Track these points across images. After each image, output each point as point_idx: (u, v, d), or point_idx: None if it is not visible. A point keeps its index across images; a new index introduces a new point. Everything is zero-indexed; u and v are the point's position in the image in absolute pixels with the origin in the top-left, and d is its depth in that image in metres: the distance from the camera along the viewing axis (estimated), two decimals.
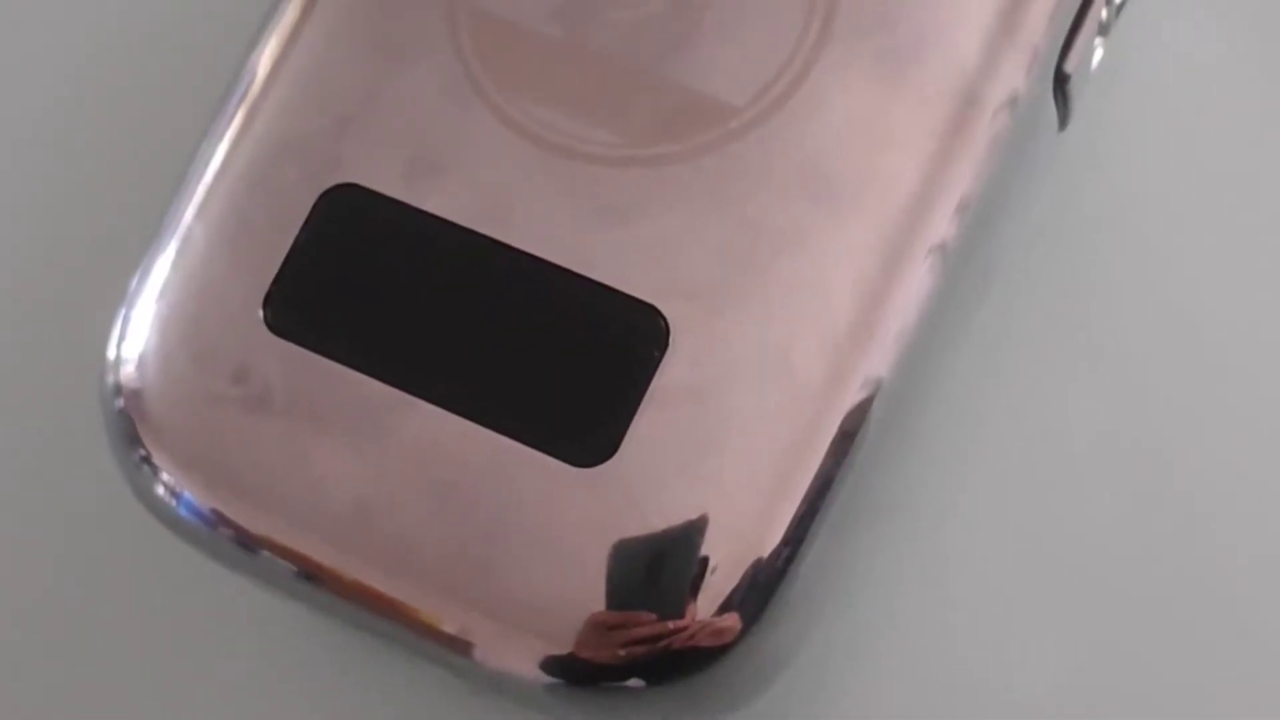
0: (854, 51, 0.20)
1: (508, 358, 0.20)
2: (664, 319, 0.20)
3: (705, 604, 0.19)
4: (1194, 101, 0.24)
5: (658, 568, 0.19)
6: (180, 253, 0.21)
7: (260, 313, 0.20)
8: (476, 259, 0.20)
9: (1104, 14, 0.22)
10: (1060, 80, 0.21)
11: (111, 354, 0.21)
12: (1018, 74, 0.20)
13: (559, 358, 0.20)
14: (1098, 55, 0.22)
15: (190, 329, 0.21)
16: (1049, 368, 0.24)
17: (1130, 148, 0.24)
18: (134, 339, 0.21)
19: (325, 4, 0.21)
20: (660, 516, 0.19)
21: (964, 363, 0.23)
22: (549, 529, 0.19)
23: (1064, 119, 0.22)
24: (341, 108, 0.21)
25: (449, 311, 0.20)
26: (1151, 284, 0.24)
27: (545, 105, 0.21)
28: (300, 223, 0.21)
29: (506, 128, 0.21)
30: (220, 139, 0.21)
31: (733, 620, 0.19)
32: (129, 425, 0.21)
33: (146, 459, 0.20)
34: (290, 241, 0.21)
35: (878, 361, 0.20)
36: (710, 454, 0.19)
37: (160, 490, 0.20)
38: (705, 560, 0.19)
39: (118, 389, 0.21)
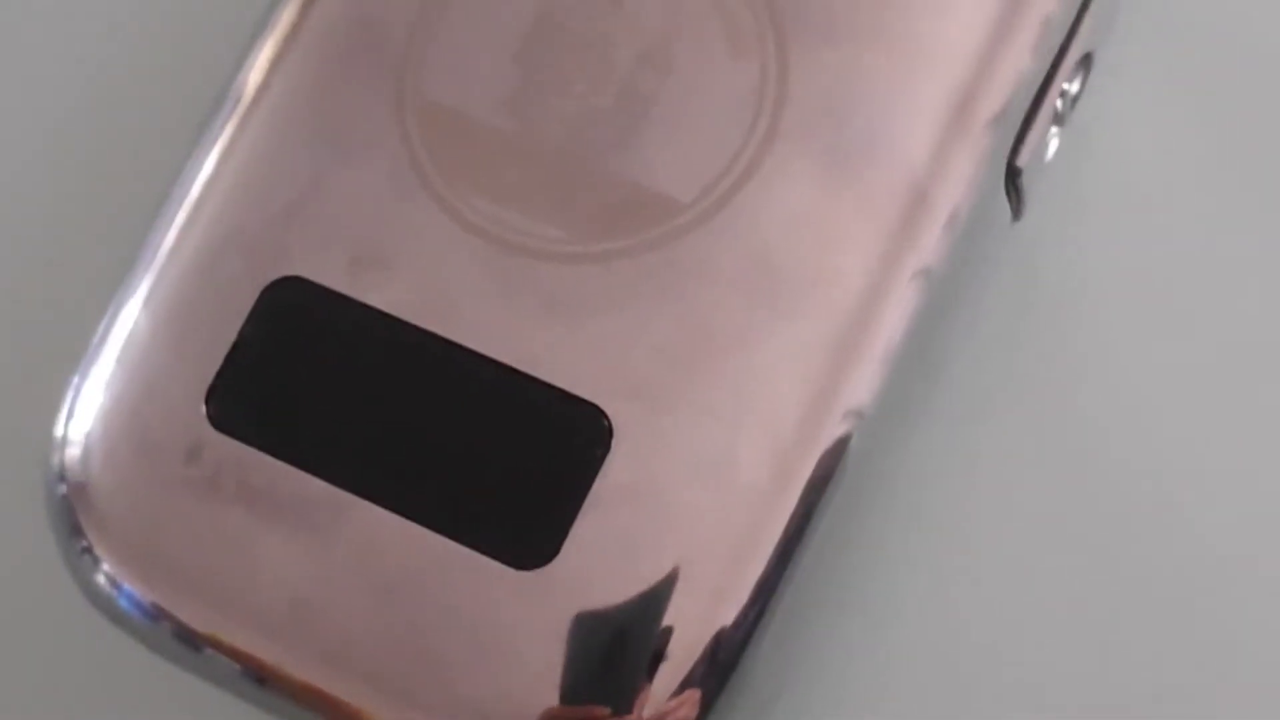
0: (802, 148, 0.20)
1: (449, 457, 0.20)
2: (607, 419, 0.20)
3: (654, 700, 0.19)
4: (1152, 189, 0.24)
5: (603, 667, 0.19)
6: (126, 342, 0.21)
7: (203, 407, 0.20)
8: (420, 356, 0.20)
9: (1059, 105, 0.22)
10: (1012, 174, 0.21)
11: (59, 433, 0.21)
12: (968, 171, 0.20)
13: (501, 457, 0.20)
14: (1053, 145, 0.22)
15: (133, 421, 0.20)
16: (1001, 452, 0.24)
17: (1086, 234, 0.24)
18: (79, 424, 0.21)
19: (275, 91, 0.21)
20: (603, 618, 0.19)
21: (916, 448, 0.23)
22: (492, 630, 0.19)
23: (1017, 211, 0.22)
24: (288, 198, 0.21)
25: (391, 409, 0.20)
26: (1107, 367, 0.24)
27: (492, 199, 0.20)
28: (244, 315, 0.20)
29: (453, 221, 0.20)
30: (168, 226, 0.21)
31: (686, 711, 0.19)
32: (71, 513, 0.21)
33: (88, 549, 0.20)
34: (234, 334, 0.20)
35: (826, 460, 0.20)
36: (653, 556, 0.19)
37: (101, 581, 0.20)
38: (652, 658, 0.19)
39: (62, 474, 0.21)
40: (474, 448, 0.20)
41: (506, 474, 0.20)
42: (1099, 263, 0.24)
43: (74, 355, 0.21)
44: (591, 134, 0.20)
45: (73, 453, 0.21)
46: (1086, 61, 0.22)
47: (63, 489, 0.21)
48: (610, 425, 0.19)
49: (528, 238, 0.20)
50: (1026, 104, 0.21)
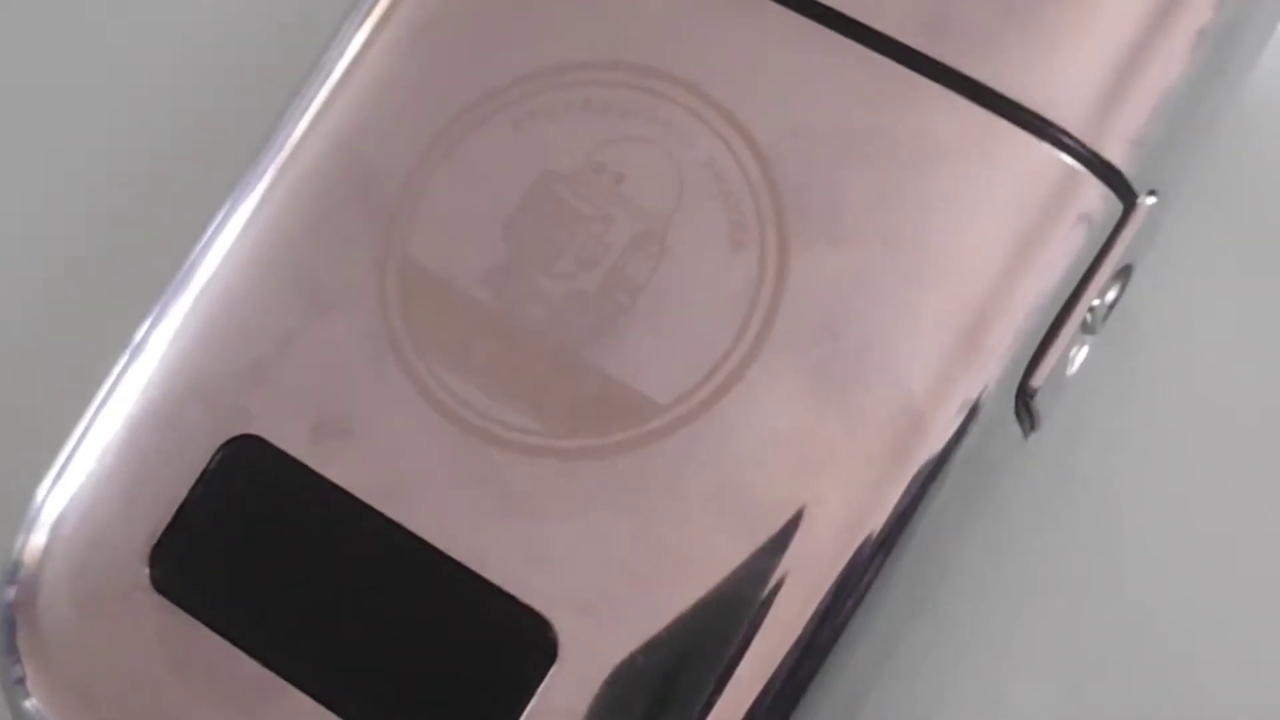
0: (792, 360, 0.19)
1: (384, 652, 0.19)
2: (553, 632, 0.18)
3: None
4: (1188, 402, 0.22)
5: None
6: (85, 479, 0.20)
7: (145, 569, 0.19)
8: (368, 539, 0.19)
9: (1088, 318, 0.20)
10: (1024, 395, 0.19)
11: (15, 549, 0.20)
12: (973, 395, 0.19)
13: (438, 659, 0.19)
14: (1080, 356, 0.21)
15: (78, 566, 0.20)
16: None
17: (1108, 448, 0.22)
18: (32, 549, 0.20)
19: (256, 237, 0.20)
20: None
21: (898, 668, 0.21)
22: None
23: (1030, 428, 0.20)
24: (257, 352, 0.20)
25: (335, 592, 0.19)
26: (1122, 584, 0.22)
27: (461, 377, 0.19)
28: (198, 470, 0.20)
29: (421, 397, 0.19)
30: (136, 364, 0.20)
31: None
32: (11, 634, 0.20)
33: (21, 681, 0.20)
34: (186, 489, 0.20)
35: (786, 696, 0.18)
36: None
37: (30, 710, 0.20)
38: None
39: (12, 584, 0.20)
40: (410, 645, 0.19)
41: (444, 679, 0.19)
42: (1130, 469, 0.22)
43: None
44: (573, 319, 0.19)
45: (24, 573, 0.20)
46: (1125, 273, 0.20)
47: (9, 601, 0.20)
48: (556, 640, 0.18)
49: (493, 424, 0.19)
50: (1046, 324, 0.19)
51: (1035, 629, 0.22)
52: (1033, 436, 0.21)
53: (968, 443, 0.19)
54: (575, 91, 0.20)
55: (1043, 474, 0.22)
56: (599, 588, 0.18)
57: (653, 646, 0.18)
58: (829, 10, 0.20)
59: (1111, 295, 0.20)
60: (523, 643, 0.18)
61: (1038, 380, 0.19)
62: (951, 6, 0.19)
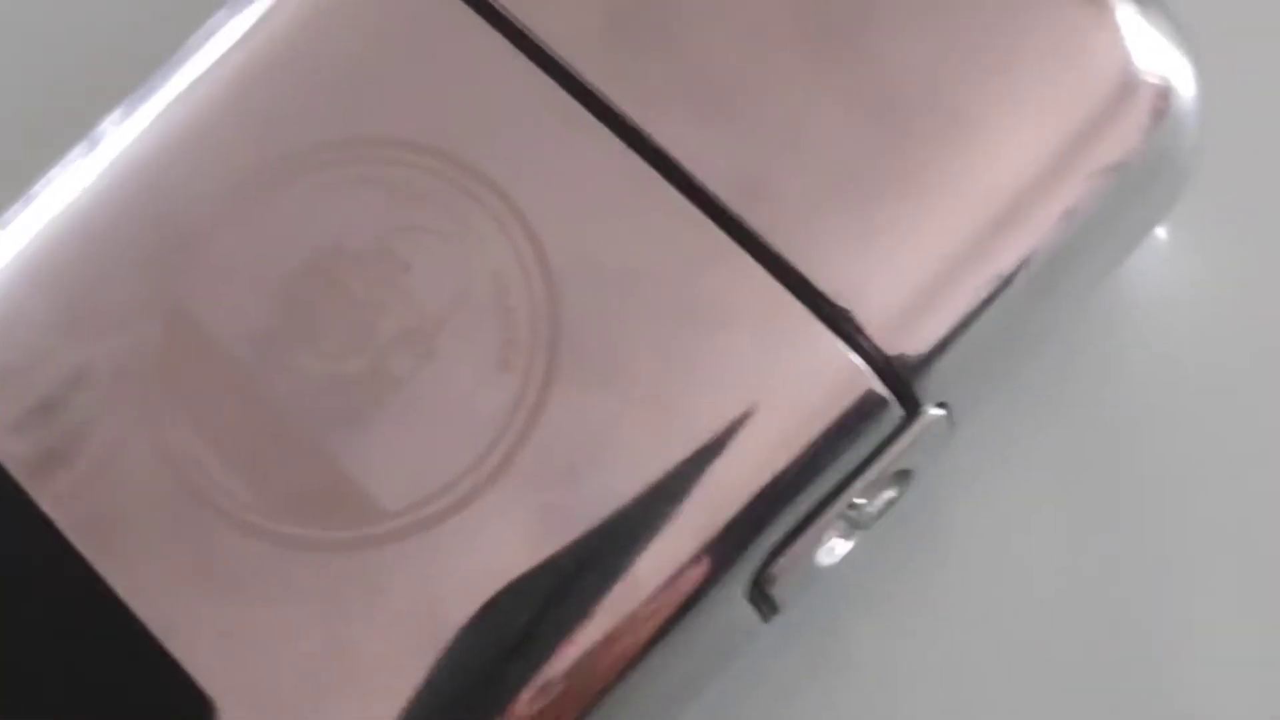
0: (527, 496, 0.18)
1: (46, 698, 0.18)
2: (216, 717, 0.18)
3: None
4: (981, 600, 0.22)
5: None
6: None
7: None
8: (62, 576, 0.18)
9: (852, 515, 0.19)
10: (762, 582, 0.19)
11: None
12: (696, 578, 0.18)
13: (94, 716, 0.18)
14: (843, 548, 0.20)
15: None
16: None
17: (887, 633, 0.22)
18: None
19: (35, 251, 0.19)
20: None
21: None
22: None
23: (768, 613, 0.20)
24: (4, 358, 0.19)
25: (15, 624, 0.18)
26: None
27: (201, 435, 0.19)
28: None
29: (149, 439, 0.19)
30: None
31: None
32: None
33: None
34: None
35: None
36: None
37: None
38: None
39: None
40: (70, 695, 0.18)
41: None
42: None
43: None
44: (322, 402, 0.19)
45: None
46: (902, 477, 0.20)
47: None
48: None
49: (217, 490, 0.18)
50: (796, 515, 0.19)
51: None
52: (784, 618, 0.20)
53: (687, 621, 0.18)
54: (385, 169, 0.19)
55: (804, 654, 0.22)
56: (276, 683, 0.18)
57: None
58: (657, 151, 0.19)
59: (887, 496, 0.20)
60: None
61: (776, 569, 0.19)
62: (777, 173, 0.19)
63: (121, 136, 0.20)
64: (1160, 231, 0.23)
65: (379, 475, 0.18)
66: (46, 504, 0.19)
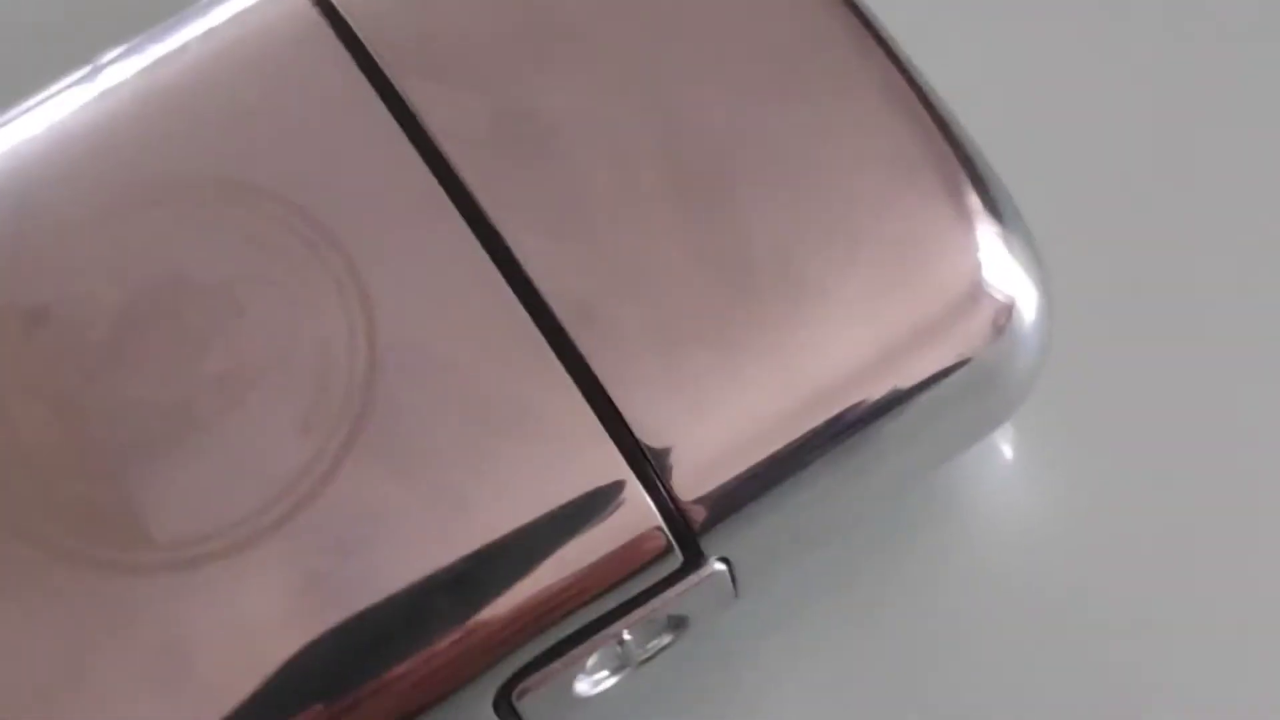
0: (293, 558, 0.18)
1: None
2: None
3: None
4: None
5: None
6: None
7: None
8: None
9: (617, 649, 0.19)
10: (506, 699, 0.19)
11: None
12: (441, 680, 0.18)
13: None
14: (610, 682, 0.20)
15: None
16: None
17: None
18: None
19: None
20: None
21: None
22: None
23: None
24: None
25: None
26: None
27: (8, 432, 0.19)
28: None
29: None
30: None
31: None
32: None
33: None
34: None
35: None
36: None
37: None
38: None
39: None
40: None
41: None
42: None
43: None
44: (130, 423, 0.19)
45: None
46: (678, 622, 0.20)
47: None
48: None
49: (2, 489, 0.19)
50: (550, 640, 0.19)
51: None
52: None
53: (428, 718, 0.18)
54: (247, 215, 0.20)
55: None
56: (7, 689, 0.18)
57: None
58: (506, 253, 0.19)
59: (662, 640, 0.20)
60: None
61: (529, 685, 0.19)
62: (615, 302, 0.19)
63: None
64: (1005, 449, 0.24)
65: (159, 507, 0.18)
66: None
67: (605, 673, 0.20)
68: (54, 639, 0.18)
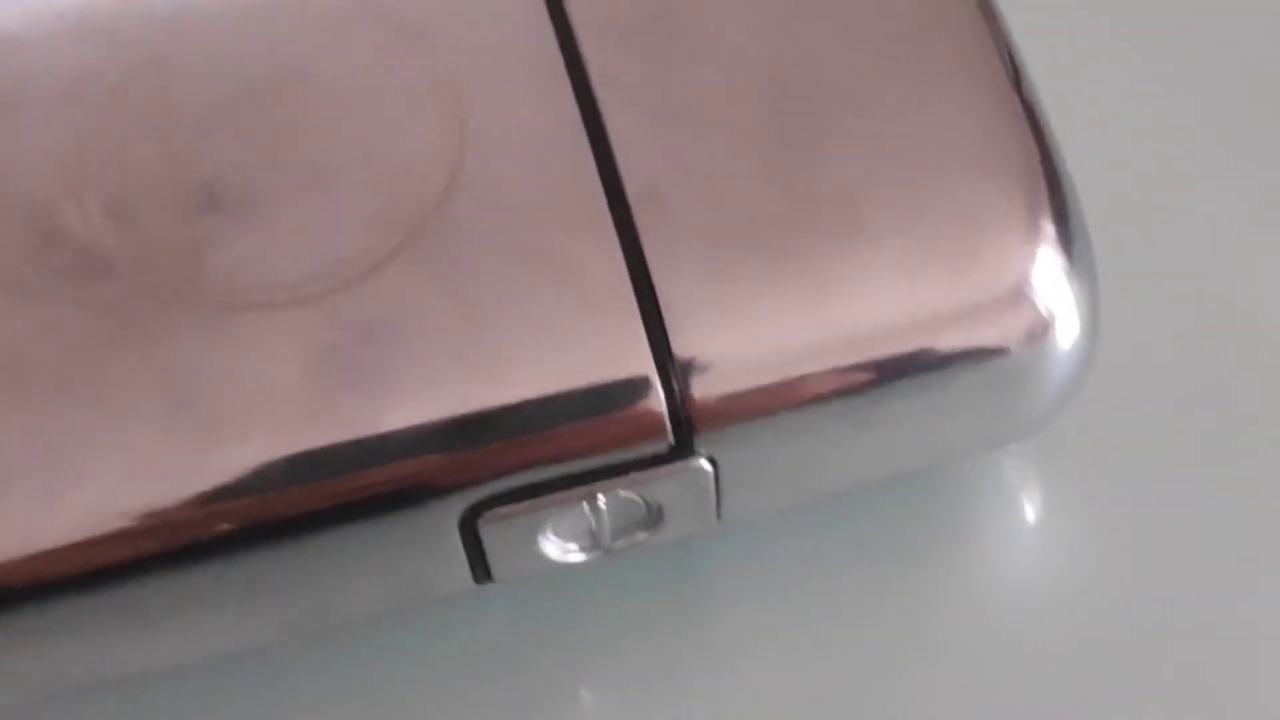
0: (319, 330, 0.19)
1: None
2: None
3: None
4: None
5: None
6: None
7: None
8: None
9: (591, 523, 0.20)
10: (469, 523, 0.20)
11: None
12: (413, 474, 0.19)
13: None
14: (577, 557, 0.21)
15: None
16: None
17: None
18: None
19: None
20: None
21: None
22: None
23: (481, 573, 0.21)
24: None
25: None
26: None
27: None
28: None
29: None
30: None
31: None
32: None
33: None
34: None
35: None
36: None
37: None
38: None
39: None
40: None
41: None
42: None
43: None
44: (220, 179, 0.20)
45: None
46: (654, 513, 0.21)
47: None
48: None
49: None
50: (524, 481, 0.19)
51: None
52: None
53: (396, 512, 0.19)
54: (379, 33, 0.21)
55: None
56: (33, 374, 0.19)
57: None
58: (598, 121, 0.20)
59: (638, 536, 0.21)
60: None
61: (487, 516, 0.20)
62: (679, 187, 0.20)
63: None
64: (1030, 513, 0.24)
65: (220, 254, 0.20)
66: None
67: (575, 546, 0.21)
68: (83, 348, 0.19)
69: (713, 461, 0.20)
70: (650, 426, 0.19)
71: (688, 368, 0.19)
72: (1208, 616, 0.23)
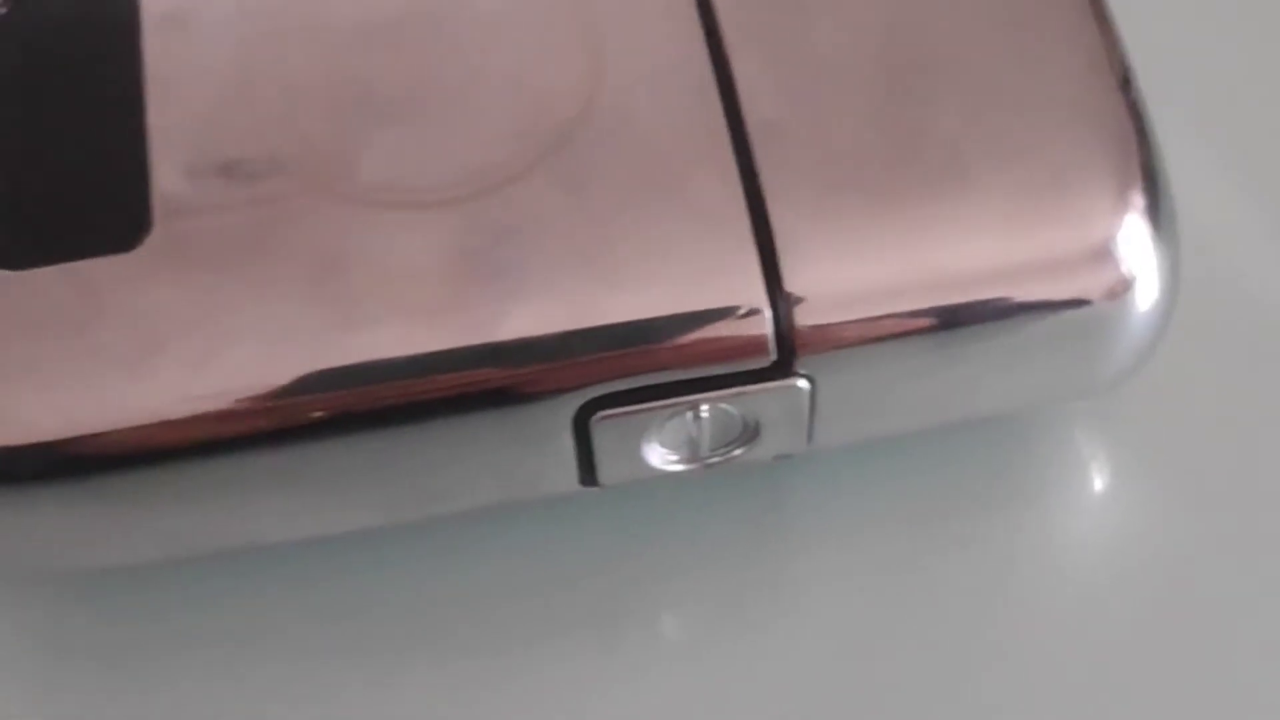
0: (458, 233, 0.21)
1: None
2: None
3: None
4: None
5: None
6: None
7: None
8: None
9: (693, 431, 0.22)
10: (583, 420, 0.21)
11: None
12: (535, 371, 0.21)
13: None
14: (676, 467, 0.22)
15: None
16: None
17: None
18: None
19: None
20: None
21: None
22: None
23: (588, 477, 0.22)
24: None
25: None
26: None
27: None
28: None
29: None
30: None
31: None
32: None
33: None
34: None
35: None
36: None
37: None
38: None
39: None
40: None
41: None
42: None
43: None
44: (381, 89, 0.22)
45: None
46: (751, 430, 0.22)
47: None
48: None
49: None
50: (641, 383, 0.21)
51: None
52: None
53: (517, 404, 0.21)
54: None
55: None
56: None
57: None
58: (725, 62, 0.22)
59: (734, 450, 0.22)
60: None
61: (600, 415, 0.21)
62: (797, 126, 0.22)
63: None
64: (1099, 478, 0.25)
65: (373, 155, 0.22)
66: None
67: (675, 456, 0.22)
68: (242, 232, 0.21)
69: (810, 381, 0.21)
70: (756, 344, 0.21)
71: (794, 294, 0.21)
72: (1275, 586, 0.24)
